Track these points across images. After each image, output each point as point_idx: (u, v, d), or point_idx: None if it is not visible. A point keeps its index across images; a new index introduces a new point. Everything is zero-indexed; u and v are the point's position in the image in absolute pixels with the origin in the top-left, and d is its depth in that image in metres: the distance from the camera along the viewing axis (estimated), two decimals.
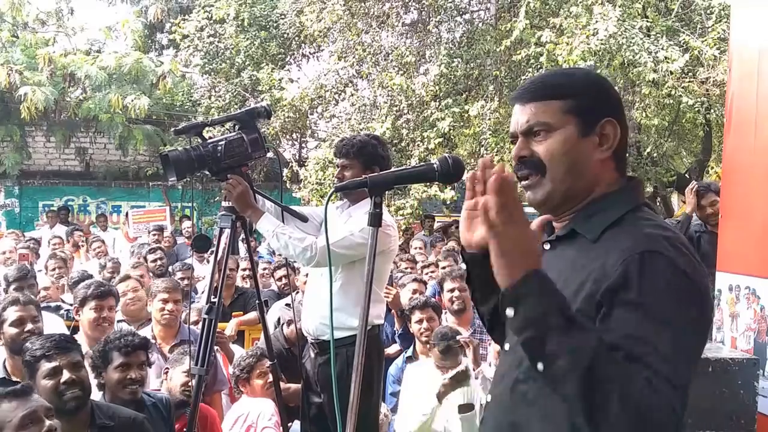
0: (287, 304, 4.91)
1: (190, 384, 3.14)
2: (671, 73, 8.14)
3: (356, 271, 3.14)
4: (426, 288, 5.35)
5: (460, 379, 3.56)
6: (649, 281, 1.25)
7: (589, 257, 1.35)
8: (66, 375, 2.63)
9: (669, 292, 1.24)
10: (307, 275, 4.14)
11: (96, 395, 3.04)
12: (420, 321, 4.29)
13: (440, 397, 3.57)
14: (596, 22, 8.13)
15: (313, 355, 3.40)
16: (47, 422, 2.30)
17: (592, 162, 1.42)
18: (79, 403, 2.65)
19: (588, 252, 1.37)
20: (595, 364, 1.17)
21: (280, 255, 4.95)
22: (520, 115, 1.46)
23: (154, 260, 6.68)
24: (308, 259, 3.11)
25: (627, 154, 1.48)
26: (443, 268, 6.15)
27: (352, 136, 3.52)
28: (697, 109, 8.62)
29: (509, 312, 1.24)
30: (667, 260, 1.26)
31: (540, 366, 1.21)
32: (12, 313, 3.35)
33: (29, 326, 3.30)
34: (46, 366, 2.64)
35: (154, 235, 9.08)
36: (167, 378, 3.55)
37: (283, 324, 4.65)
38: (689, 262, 1.29)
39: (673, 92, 8.44)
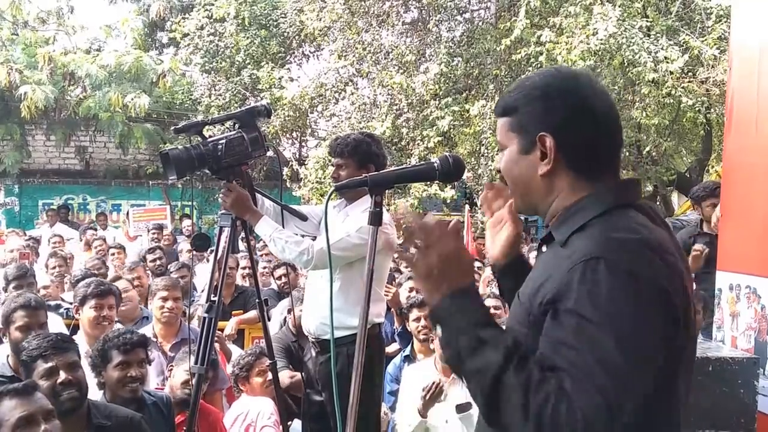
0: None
1: (191, 382, 3.14)
2: (671, 73, 8.14)
3: (355, 270, 3.15)
4: None
5: (436, 396, 3.57)
6: (587, 289, 1.22)
7: (555, 261, 1.34)
8: (62, 375, 2.62)
9: (609, 297, 1.21)
10: (306, 276, 4.14)
11: (96, 394, 3.04)
12: (418, 319, 4.29)
13: (422, 413, 3.58)
14: (596, 21, 8.13)
15: (314, 354, 3.40)
16: (43, 426, 2.28)
17: (537, 177, 1.41)
18: (76, 404, 2.64)
19: (556, 255, 1.36)
20: (501, 380, 1.20)
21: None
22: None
23: (154, 260, 6.67)
24: (305, 263, 3.12)
25: (614, 155, 1.43)
26: None
27: (346, 135, 3.53)
28: (697, 108, 8.62)
29: (438, 331, 1.32)
30: (610, 264, 1.23)
31: (464, 381, 1.28)
32: (20, 318, 3.34)
33: (35, 332, 3.29)
34: (42, 366, 2.63)
35: (154, 233, 9.08)
36: (171, 376, 3.56)
37: (288, 323, 4.66)
38: (640, 261, 1.24)
39: (673, 92, 8.44)
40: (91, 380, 3.16)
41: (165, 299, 4.20)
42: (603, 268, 1.22)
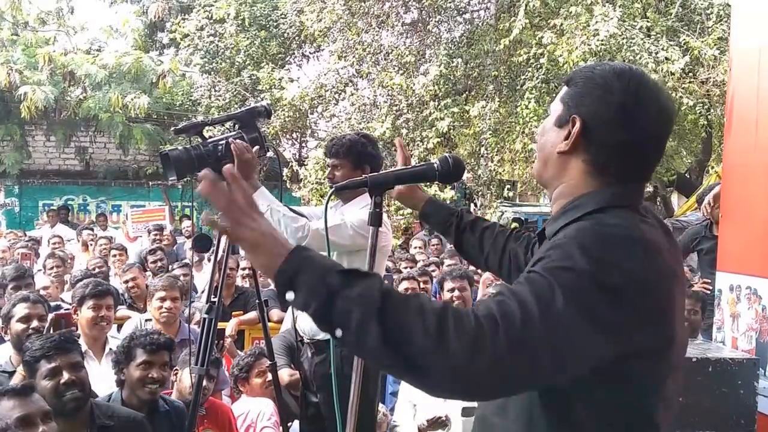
0: None
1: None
2: (672, 74, 8.14)
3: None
4: (419, 282, 5.34)
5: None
6: (556, 256, 1.21)
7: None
8: (66, 376, 2.62)
9: (572, 275, 1.18)
10: None
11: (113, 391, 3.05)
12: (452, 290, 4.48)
13: None
14: (596, 22, 8.14)
15: (309, 354, 3.40)
16: (41, 427, 2.29)
17: (554, 152, 1.41)
18: (79, 404, 2.65)
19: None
20: (389, 302, 1.13)
21: None
22: None
23: (155, 261, 6.67)
24: (298, 240, 3.03)
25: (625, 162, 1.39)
26: (448, 266, 6.16)
27: (341, 135, 3.53)
28: (698, 111, 8.62)
29: (289, 296, 1.19)
30: (585, 249, 1.21)
31: (339, 332, 1.15)
32: (20, 310, 3.39)
33: (35, 323, 3.31)
34: (45, 366, 2.63)
35: (155, 234, 9.08)
36: (177, 379, 3.54)
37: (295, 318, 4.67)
38: (616, 253, 1.22)
39: (674, 93, 8.44)
40: (112, 376, 3.17)
41: (163, 299, 4.19)
42: (577, 250, 1.21)
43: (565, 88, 1.44)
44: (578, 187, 1.39)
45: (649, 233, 1.31)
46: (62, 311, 3.12)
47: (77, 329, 3.65)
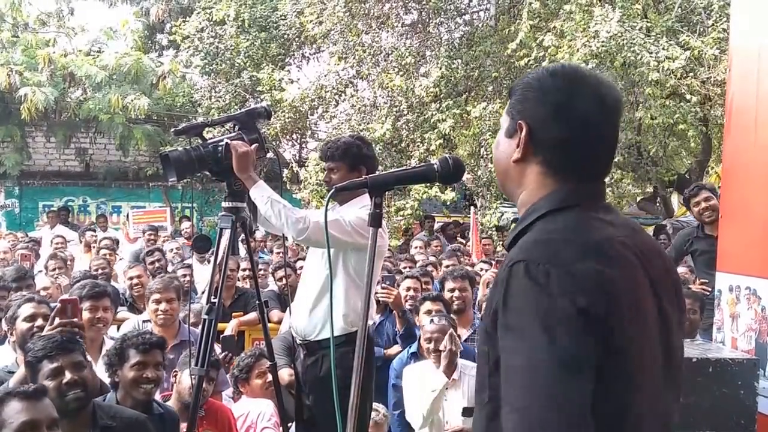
0: None
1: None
2: (672, 72, 8.14)
3: (341, 272, 3.16)
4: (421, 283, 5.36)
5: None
6: (512, 299, 1.23)
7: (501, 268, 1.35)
8: (68, 375, 2.61)
9: (522, 309, 1.21)
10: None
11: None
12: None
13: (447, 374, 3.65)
14: (596, 24, 8.14)
15: (302, 356, 3.40)
16: None
17: (510, 162, 1.43)
18: (82, 404, 2.64)
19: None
20: None
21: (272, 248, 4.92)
22: None
23: (152, 261, 6.66)
24: (299, 231, 3.04)
25: (586, 160, 1.40)
26: (446, 267, 6.17)
27: (336, 138, 3.56)
28: (697, 112, 8.62)
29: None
30: (529, 267, 1.22)
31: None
32: (26, 309, 3.39)
33: (39, 322, 3.30)
34: (48, 366, 2.62)
35: (150, 235, 9.06)
36: (176, 381, 3.54)
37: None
38: (552, 272, 1.21)
39: (675, 90, 8.45)
40: (105, 379, 3.17)
41: (158, 302, 4.19)
42: (521, 271, 1.22)
43: (509, 101, 1.47)
44: (537, 191, 1.41)
45: (598, 233, 1.31)
46: (68, 297, 3.09)
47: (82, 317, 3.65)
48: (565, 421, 1.15)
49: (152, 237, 8.93)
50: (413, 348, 4.32)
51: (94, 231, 10.08)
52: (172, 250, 7.77)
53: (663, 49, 8.08)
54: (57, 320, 2.80)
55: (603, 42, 8.01)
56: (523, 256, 1.25)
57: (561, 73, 1.42)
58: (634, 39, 8.11)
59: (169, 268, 6.50)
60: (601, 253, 1.26)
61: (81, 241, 9.12)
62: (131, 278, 5.56)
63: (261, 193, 3.06)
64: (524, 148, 1.40)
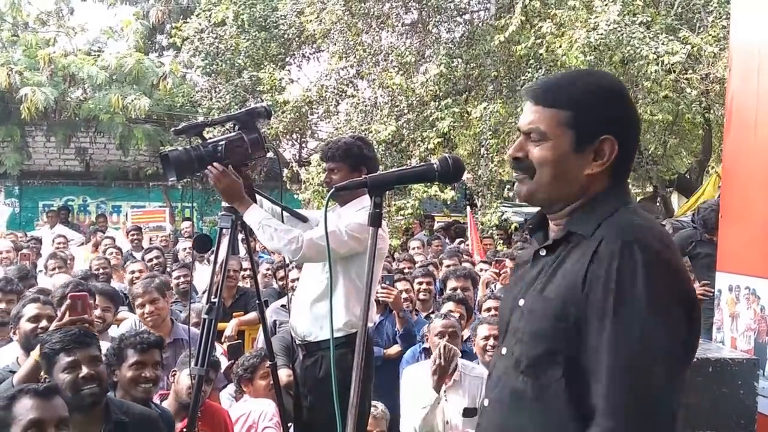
0: (282, 306, 4.92)
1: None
2: (672, 66, 8.13)
3: (340, 273, 3.15)
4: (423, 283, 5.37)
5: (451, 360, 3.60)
6: (627, 278, 1.31)
7: (584, 252, 1.38)
8: (84, 370, 2.60)
9: (645, 288, 1.30)
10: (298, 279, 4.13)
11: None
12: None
13: (436, 389, 3.58)
14: (596, 16, 8.14)
15: (301, 357, 3.40)
16: None
17: (582, 175, 1.44)
18: (96, 399, 2.63)
19: (583, 248, 1.39)
20: None
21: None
22: (525, 114, 1.49)
23: (151, 260, 6.64)
24: (293, 252, 3.05)
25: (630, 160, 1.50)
26: (447, 266, 6.16)
27: (337, 139, 3.55)
28: (696, 110, 8.62)
29: None
30: (642, 247, 1.32)
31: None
32: (31, 309, 3.38)
33: (44, 323, 3.29)
34: (65, 359, 2.61)
35: (134, 235, 9.02)
36: (174, 381, 3.54)
37: (281, 325, 4.66)
38: (671, 255, 1.36)
39: (675, 85, 8.45)
40: None
41: (142, 305, 4.20)
42: (637, 250, 1.31)
43: (553, 111, 1.43)
44: (594, 189, 1.47)
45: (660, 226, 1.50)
46: (78, 292, 3.07)
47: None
48: (670, 388, 1.32)
49: (136, 237, 8.90)
50: (426, 344, 4.30)
51: (104, 231, 10.10)
52: (185, 249, 7.74)
53: (662, 44, 8.07)
54: (67, 316, 2.79)
55: (602, 35, 8.00)
56: (632, 237, 1.34)
57: (610, 79, 1.52)
58: (633, 33, 8.10)
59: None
60: (672, 243, 1.42)
61: (89, 241, 9.13)
62: (132, 272, 5.57)
63: (252, 219, 3.06)
64: (610, 161, 1.44)
